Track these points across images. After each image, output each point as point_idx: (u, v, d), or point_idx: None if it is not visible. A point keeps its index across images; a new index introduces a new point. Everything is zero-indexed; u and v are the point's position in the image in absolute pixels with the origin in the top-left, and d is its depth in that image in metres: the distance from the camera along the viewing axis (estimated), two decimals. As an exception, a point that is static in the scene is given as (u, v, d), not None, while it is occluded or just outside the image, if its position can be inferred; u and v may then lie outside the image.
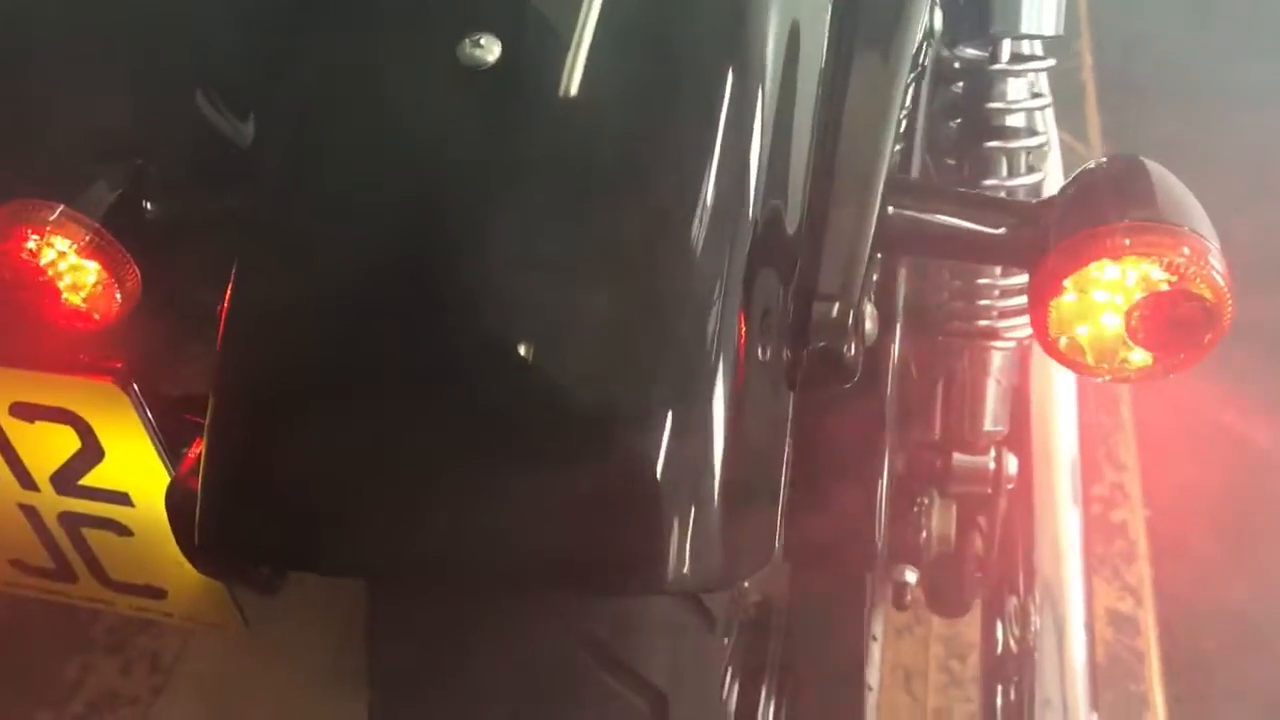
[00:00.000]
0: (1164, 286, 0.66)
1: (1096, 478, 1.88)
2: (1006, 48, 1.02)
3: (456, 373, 0.60)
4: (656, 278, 0.60)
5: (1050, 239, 0.69)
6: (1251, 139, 2.54)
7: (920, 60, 0.90)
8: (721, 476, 0.60)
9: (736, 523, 0.61)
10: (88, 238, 0.78)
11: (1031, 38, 1.02)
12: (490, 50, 0.62)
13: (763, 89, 0.65)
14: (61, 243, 0.78)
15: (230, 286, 0.65)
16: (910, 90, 0.86)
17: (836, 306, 0.67)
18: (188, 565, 0.89)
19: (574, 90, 0.63)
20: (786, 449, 0.67)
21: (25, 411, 0.86)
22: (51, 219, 0.78)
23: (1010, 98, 1.03)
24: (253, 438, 0.62)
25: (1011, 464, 1.10)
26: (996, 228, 0.73)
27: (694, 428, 0.60)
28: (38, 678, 1.35)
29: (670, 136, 0.63)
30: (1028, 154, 1.05)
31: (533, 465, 0.60)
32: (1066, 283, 0.67)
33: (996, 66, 1.02)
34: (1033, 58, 1.04)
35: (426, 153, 0.63)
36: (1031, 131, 1.05)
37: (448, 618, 0.70)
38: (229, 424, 0.63)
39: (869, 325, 0.69)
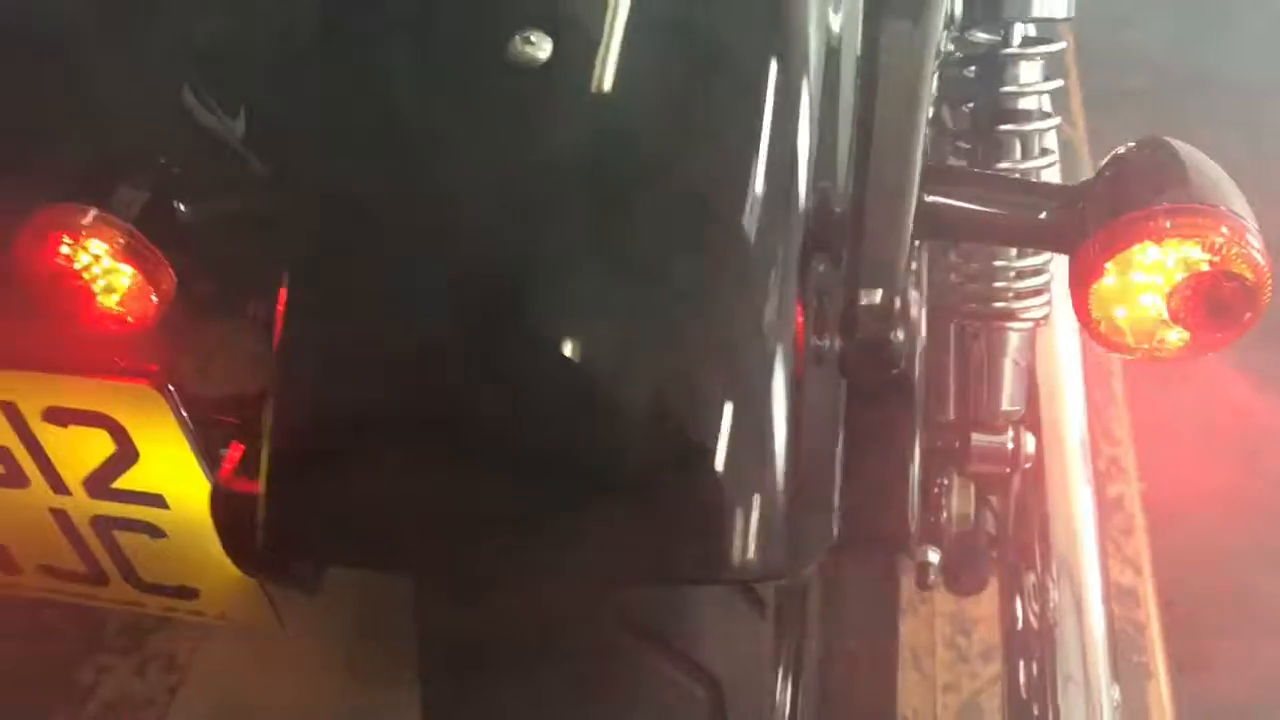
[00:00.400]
0: (1205, 267, 0.67)
1: (1094, 453, 1.90)
2: (1018, 31, 1.03)
3: (515, 368, 0.60)
4: (714, 271, 0.61)
5: (1089, 223, 0.70)
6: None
7: (940, 47, 0.91)
8: (782, 466, 0.60)
9: (797, 512, 0.61)
10: (122, 241, 0.78)
11: (1042, 21, 1.03)
12: (541, 48, 0.62)
13: (807, 81, 0.66)
14: (97, 246, 0.77)
15: (285, 291, 0.64)
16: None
17: (880, 294, 0.68)
18: (221, 566, 0.90)
19: (622, 87, 0.63)
20: (839, 437, 0.68)
21: (59, 416, 0.85)
22: (85, 222, 0.77)
23: (1023, 81, 1.04)
24: (318, 442, 0.63)
25: (1029, 443, 1.12)
26: (1034, 212, 0.74)
27: (754, 418, 0.60)
28: (53, 680, 1.35)
29: (719, 132, 0.63)
30: (1040, 137, 1.06)
31: (593, 459, 0.60)
32: (1108, 265, 0.68)
33: (1008, 50, 1.03)
34: (1044, 40, 1.04)
35: (477, 155, 0.63)
36: (1044, 115, 1.06)
37: (502, 610, 0.70)
38: (290, 429, 0.63)
39: (913, 312, 0.70)
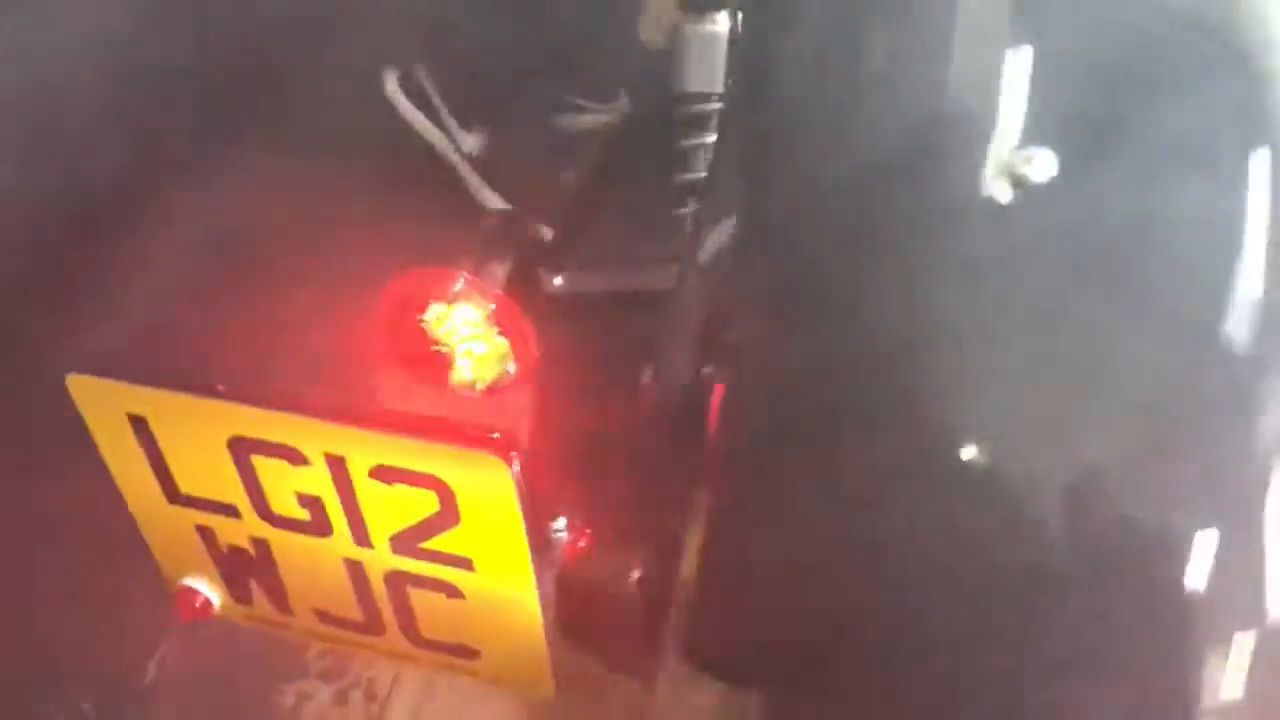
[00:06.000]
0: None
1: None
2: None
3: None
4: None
5: None
6: None
7: None
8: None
9: None
10: (492, 307, 0.75)
11: None
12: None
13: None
14: (468, 311, 0.75)
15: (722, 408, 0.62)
16: None
17: None
18: (511, 633, 0.88)
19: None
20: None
21: (385, 474, 0.83)
22: (456, 288, 0.75)
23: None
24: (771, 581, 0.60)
25: None
26: None
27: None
28: (255, 706, 1.33)
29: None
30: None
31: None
32: None
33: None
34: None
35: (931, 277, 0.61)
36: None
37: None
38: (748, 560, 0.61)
39: None
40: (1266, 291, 0.58)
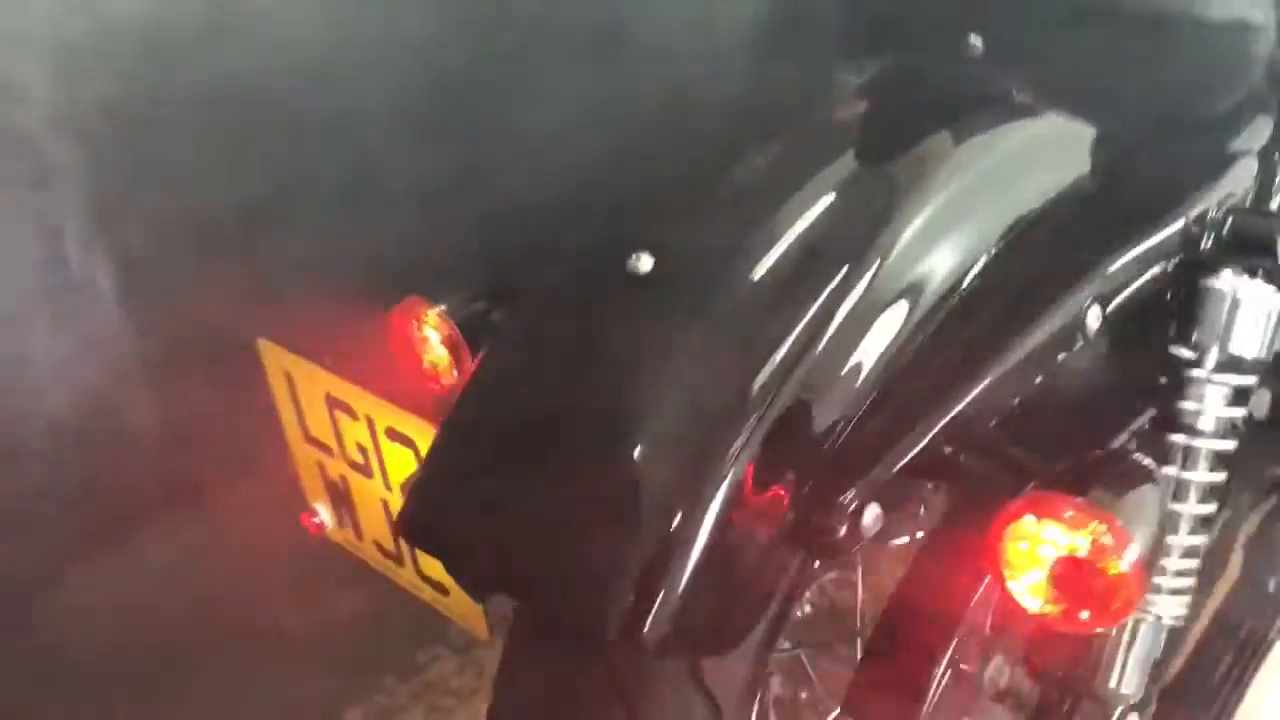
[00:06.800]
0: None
1: None
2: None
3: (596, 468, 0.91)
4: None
5: None
6: None
7: None
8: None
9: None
10: (446, 331, 1.19)
11: None
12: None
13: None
14: (431, 331, 1.19)
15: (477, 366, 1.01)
16: None
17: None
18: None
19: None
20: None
21: (394, 435, 1.28)
22: (428, 315, 1.20)
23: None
24: (450, 467, 0.98)
25: None
26: None
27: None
28: (393, 656, 1.79)
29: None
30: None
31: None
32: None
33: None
34: None
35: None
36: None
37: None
38: (436, 451, 0.99)
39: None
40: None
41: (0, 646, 1.53)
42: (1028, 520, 0.84)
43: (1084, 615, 0.84)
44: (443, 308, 1.20)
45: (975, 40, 1.19)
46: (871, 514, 0.90)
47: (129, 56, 1.49)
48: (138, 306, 1.58)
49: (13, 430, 1.53)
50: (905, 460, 0.91)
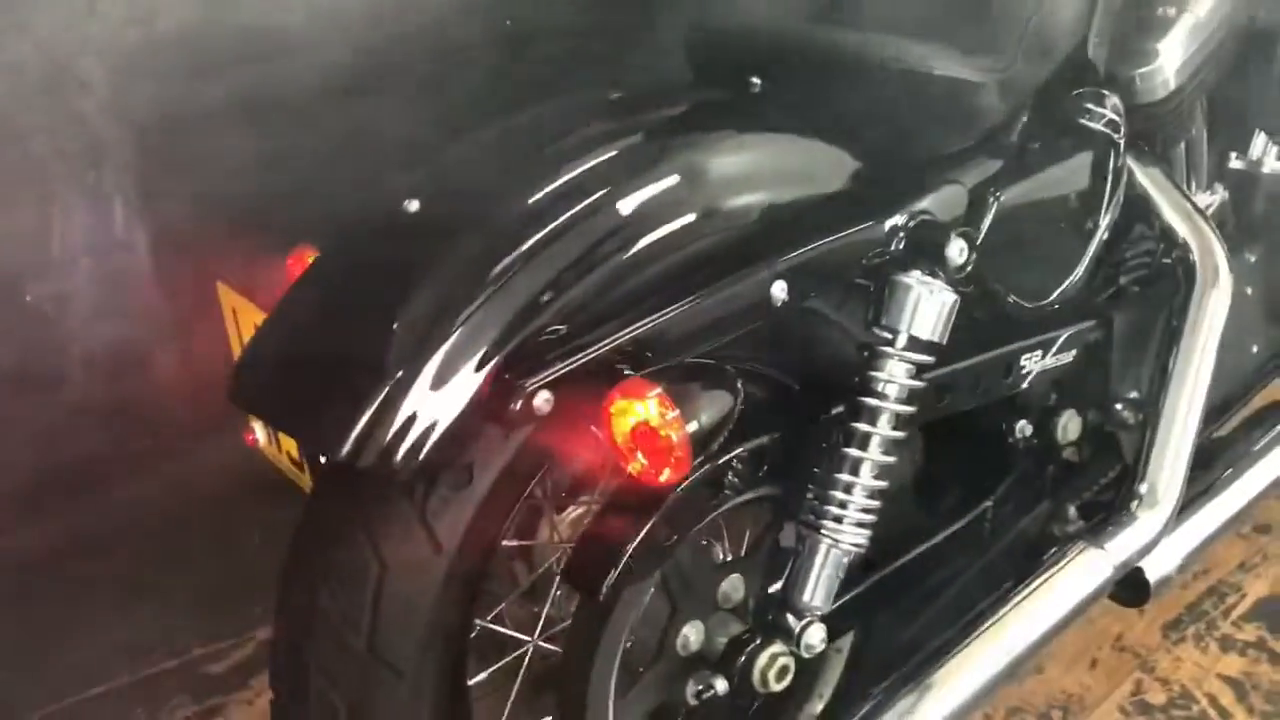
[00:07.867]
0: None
1: None
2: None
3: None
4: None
5: None
6: None
7: None
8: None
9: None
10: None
11: None
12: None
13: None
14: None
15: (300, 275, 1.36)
16: None
17: None
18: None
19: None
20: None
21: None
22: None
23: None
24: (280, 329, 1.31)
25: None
26: None
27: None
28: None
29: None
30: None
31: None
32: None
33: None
34: None
35: None
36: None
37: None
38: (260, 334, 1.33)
39: None
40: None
41: None
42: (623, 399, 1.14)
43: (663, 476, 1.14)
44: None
45: (755, 80, 1.50)
46: (542, 397, 1.18)
47: (174, 62, 1.93)
48: (166, 265, 2.01)
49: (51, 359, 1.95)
50: (573, 365, 1.20)
